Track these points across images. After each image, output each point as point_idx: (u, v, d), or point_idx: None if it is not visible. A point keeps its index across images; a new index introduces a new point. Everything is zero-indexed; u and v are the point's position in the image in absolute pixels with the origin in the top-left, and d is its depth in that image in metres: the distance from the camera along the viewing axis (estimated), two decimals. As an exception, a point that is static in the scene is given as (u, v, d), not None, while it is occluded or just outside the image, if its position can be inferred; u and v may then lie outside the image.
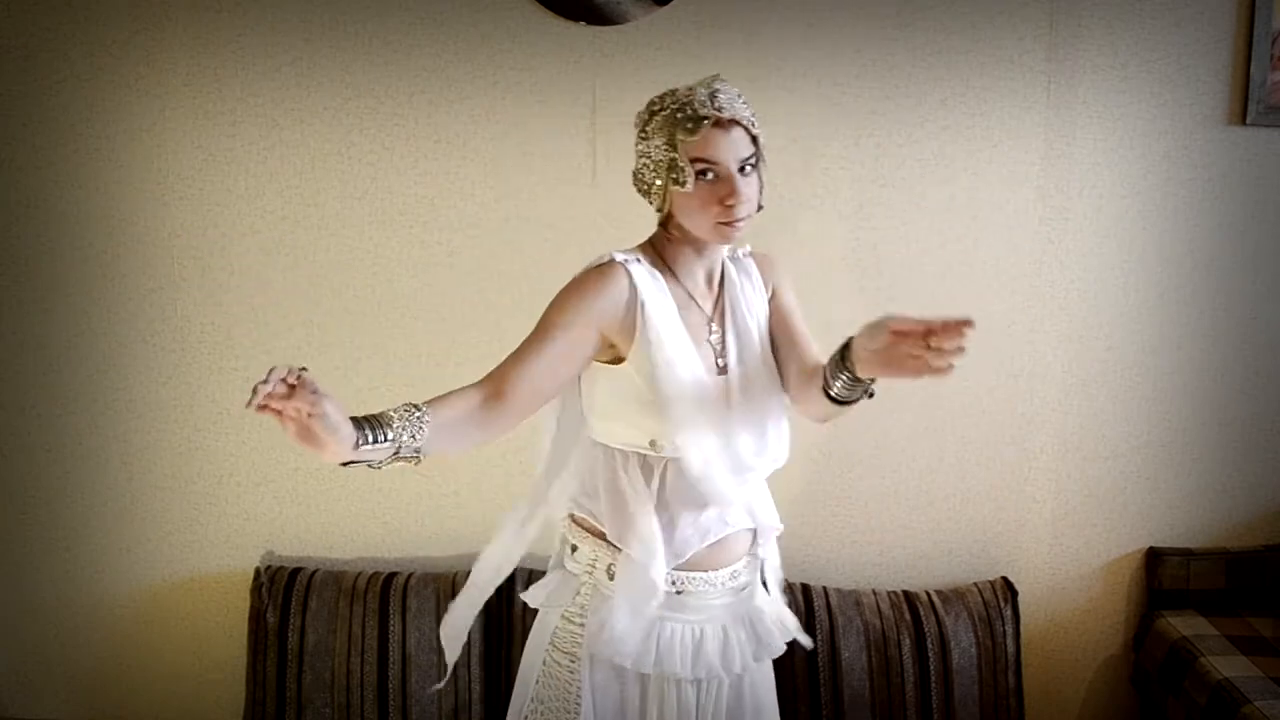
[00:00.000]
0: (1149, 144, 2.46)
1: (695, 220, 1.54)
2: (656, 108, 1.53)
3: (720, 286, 1.65)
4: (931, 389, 2.53)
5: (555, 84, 2.40)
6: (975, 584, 2.53)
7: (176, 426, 2.53)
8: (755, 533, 1.70)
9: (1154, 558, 2.57)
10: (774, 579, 1.77)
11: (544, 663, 1.68)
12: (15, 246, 2.47)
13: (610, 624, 1.59)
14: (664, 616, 1.62)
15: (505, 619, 2.43)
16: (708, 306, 1.63)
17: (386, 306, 2.48)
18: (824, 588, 2.49)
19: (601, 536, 1.63)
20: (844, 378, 1.44)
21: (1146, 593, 2.60)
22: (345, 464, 1.30)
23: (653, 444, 1.56)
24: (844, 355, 1.42)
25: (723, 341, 1.62)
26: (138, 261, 2.47)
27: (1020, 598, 2.50)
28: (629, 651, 1.60)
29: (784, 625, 1.75)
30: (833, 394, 1.47)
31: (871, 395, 1.48)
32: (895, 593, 2.50)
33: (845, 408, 1.51)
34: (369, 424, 1.31)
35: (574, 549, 1.68)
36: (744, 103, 1.53)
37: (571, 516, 1.69)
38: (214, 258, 2.47)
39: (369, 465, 1.33)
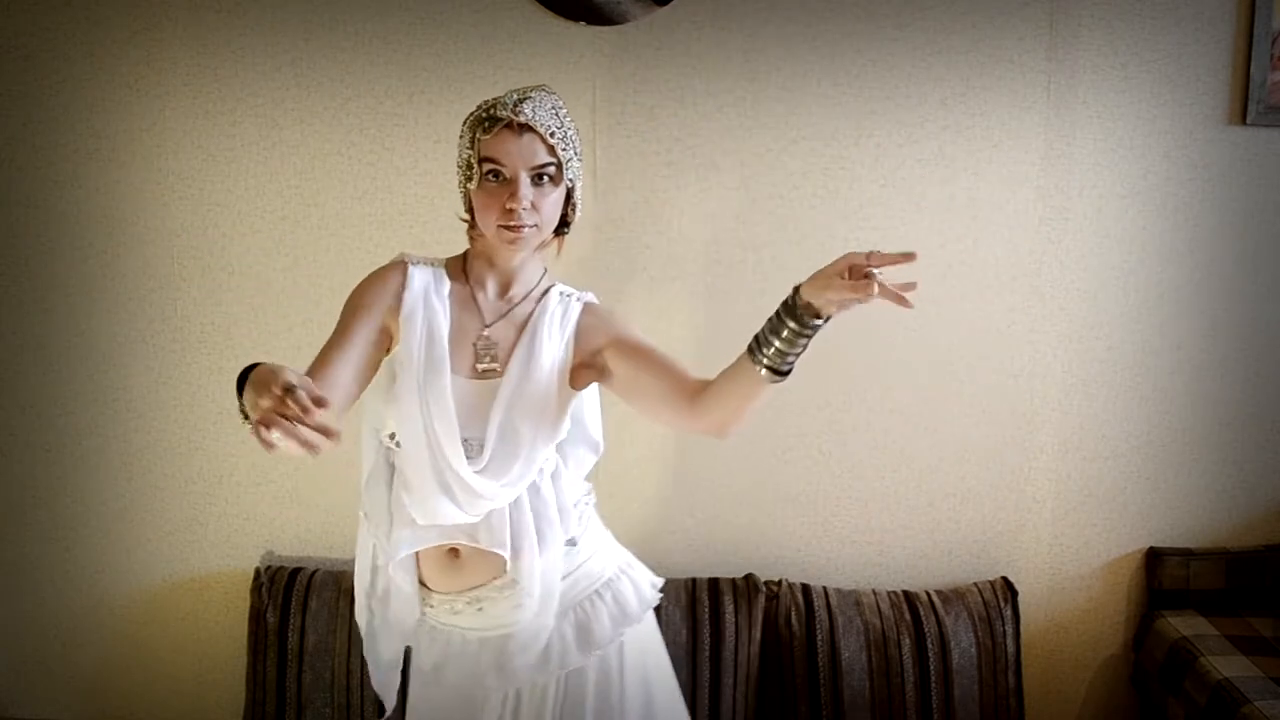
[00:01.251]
0: (1149, 144, 2.46)
1: (483, 221, 1.56)
2: (473, 110, 1.57)
3: (535, 303, 1.64)
4: (932, 389, 2.53)
5: (555, 84, 2.38)
6: (975, 584, 2.53)
7: (176, 426, 2.53)
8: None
9: (1154, 558, 2.57)
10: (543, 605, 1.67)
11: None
12: (15, 246, 2.47)
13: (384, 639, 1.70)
14: (456, 628, 1.66)
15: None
16: (489, 313, 1.63)
17: (386, 306, 2.48)
18: (824, 588, 2.49)
19: None
20: (786, 332, 1.40)
21: (1146, 593, 2.60)
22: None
23: (392, 436, 1.61)
24: (793, 301, 1.40)
25: (495, 349, 1.60)
26: (138, 261, 2.47)
27: (1020, 598, 2.50)
28: (377, 652, 1.70)
29: (622, 610, 1.70)
30: (767, 362, 1.43)
31: (807, 337, 1.41)
32: (895, 593, 2.50)
33: (772, 382, 1.44)
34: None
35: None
36: (556, 115, 1.54)
37: (364, 513, 1.73)
38: (214, 258, 2.47)
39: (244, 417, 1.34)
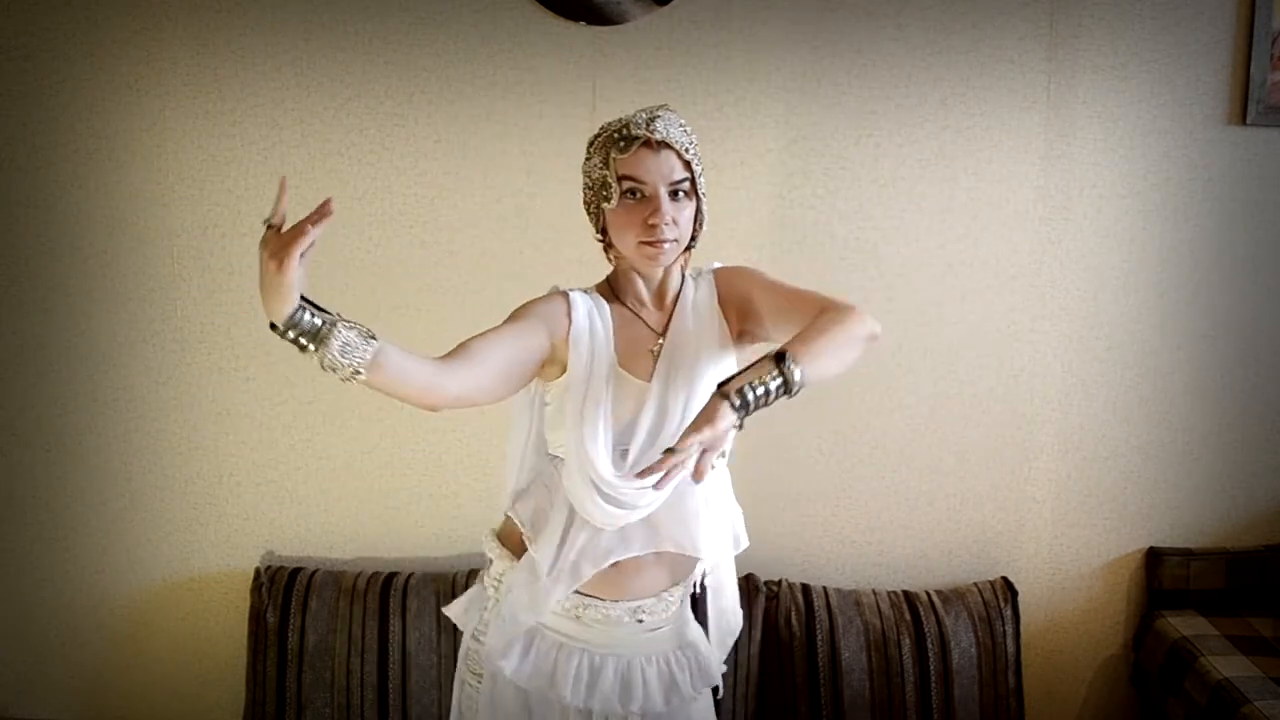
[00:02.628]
0: (1149, 144, 2.46)
1: (622, 240, 1.57)
2: (600, 131, 1.58)
3: (676, 301, 1.66)
4: (931, 389, 2.53)
5: (555, 84, 2.40)
6: (975, 584, 2.53)
7: (176, 426, 2.53)
8: (686, 575, 1.67)
9: (1154, 558, 2.57)
10: (715, 622, 1.74)
11: (461, 683, 1.74)
12: (15, 246, 2.47)
13: (492, 630, 1.64)
14: (562, 641, 1.63)
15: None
16: (655, 320, 1.65)
17: (386, 306, 2.48)
18: (824, 588, 2.49)
19: (518, 553, 1.65)
20: (772, 396, 1.40)
21: (1146, 593, 2.60)
22: (274, 328, 1.25)
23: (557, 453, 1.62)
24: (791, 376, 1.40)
25: (661, 352, 1.62)
26: (138, 261, 2.47)
27: (1020, 598, 2.50)
28: (508, 663, 1.62)
29: (703, 671, 1.69)
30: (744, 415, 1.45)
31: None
32: (895, 593, 2.50)
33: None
34: (319, 308, 1.27)
35: (490, 563, 1.71)
36: (686, 132, 1.56)
37: (495, 529, 1.72)
38: (214, 258, 2.47)
39: (298, 344, 1.25)
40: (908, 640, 2.40)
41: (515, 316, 1.58)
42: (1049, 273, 2.50)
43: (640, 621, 1.63)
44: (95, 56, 2.39)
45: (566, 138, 2.41)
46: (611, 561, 1.59)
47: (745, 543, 1.76)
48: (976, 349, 2.52)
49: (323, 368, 1.27)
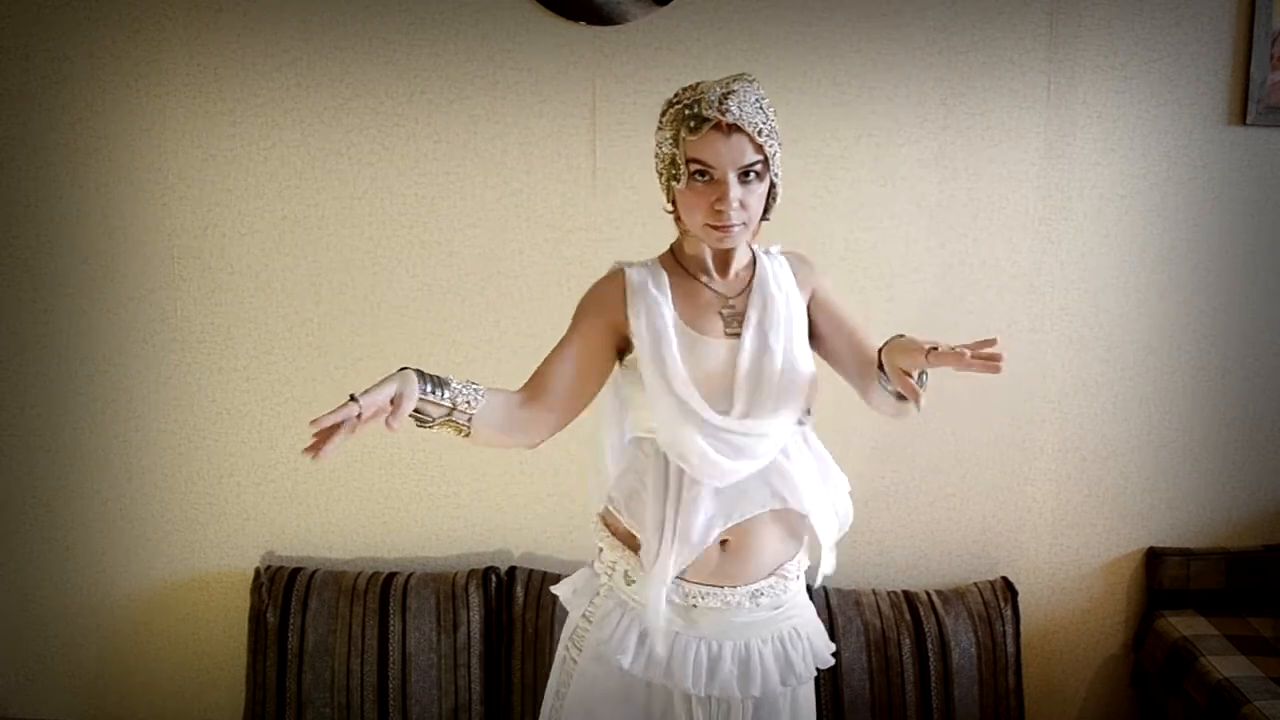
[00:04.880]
0: (1149, 144, 2.46)
1: (690, 218, 1.55)
2: (674, 100, 1.53)
3: (752, 269, 1.64)
4: (932, 388, 2.52)
5: (555, 84, 2.40)
6: (975, 584, 2.53)
7: (176, 426, 2.53)
8: (799, 548, 1.65)
9: (1154, 558, 2.57)
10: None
11: (563, 660, 1.70)
12: (15, 246, 2.47)
13: (609, 622, 1.61)
14: (678, 631, 1.60)
15: (505, 619, 2.43)
16: (721, 286, 1.62)
17: (386, 306, 2.48)
18: (824, 588, 2.49)
19: (626, 541, 1.63)
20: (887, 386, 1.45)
21: (1146, 593, 2.60)
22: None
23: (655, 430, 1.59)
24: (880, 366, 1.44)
25: (742, 313, 1.60)
26: (138, 261, 2.47)
27: (1020, 598, 2.50)
28: (625, 656, 1.59)
29: (815, 651, 1.67)
30: (888, 389, 1.47)
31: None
32: (895, 593, 2.50)
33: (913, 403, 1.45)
34: (432, 380, 1.40)
35: (600, 551, 1.68)
36: (760, 108, 1.49)
37: (601, 516, 1.70)
38: (214, 258, 2.47)
39: (419, 421, 1.41)
40: (908, 640, 2.40)
41: (577, 317, 1.61)
42: (1049, 273, 2.50)
43: (758, 605, 1.60)
44: (95, 56, 2.39)
45: (566, 138, 2.41)
46: (738, 520, 1.55)
47: (848, 515, 1.71)
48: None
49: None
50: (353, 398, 1.31)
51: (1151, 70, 2.43)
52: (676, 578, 1.58)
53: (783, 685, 1.62)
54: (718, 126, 1.47)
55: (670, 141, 1.52)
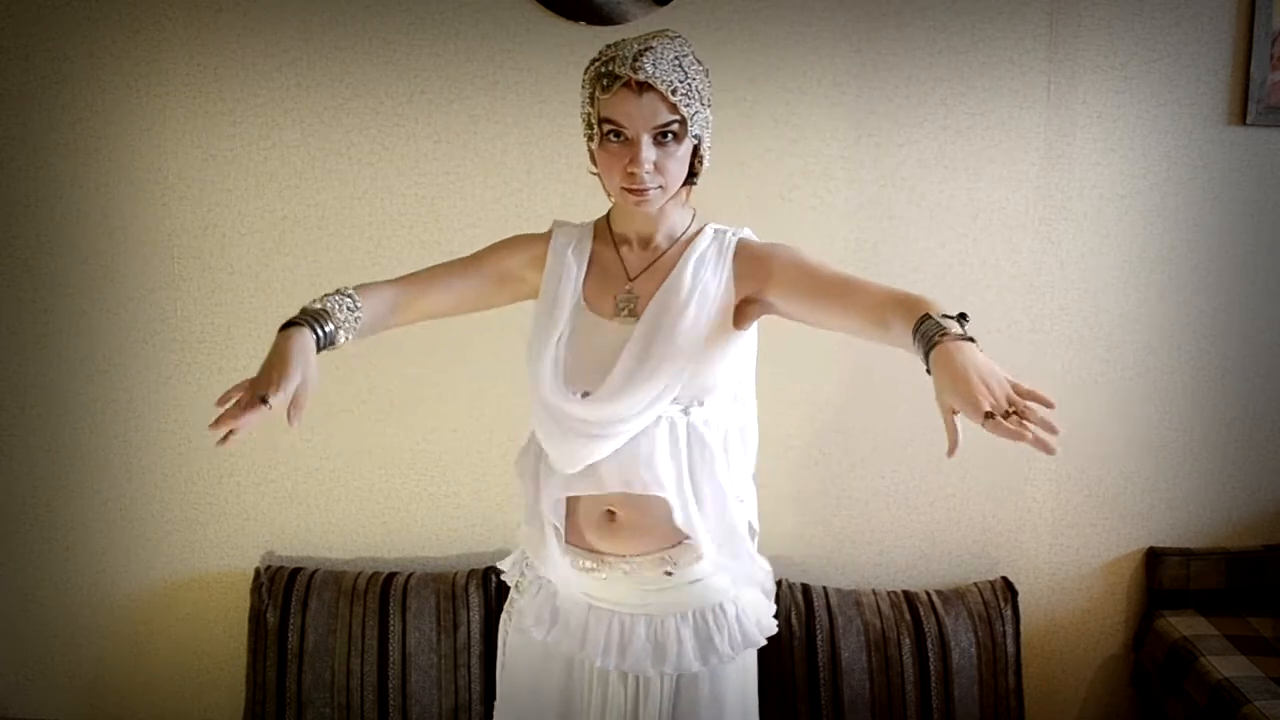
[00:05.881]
0: (1149, 144, 2.46)
1: (608, 179, 1.50)
2: (595, 58, 1.48)
3: (667, 249, 1.58)
4: (932, 388, 2.52)
5: (555, 84, 2.40)
6: (975, 584, 2.53)
7: (176, 426, 2.53)
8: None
9: (1154, 558, 2.57)
10: (744, 576, 1.63)
11: (502, 632, 1.74)
12: (15, 246, 2.47)
13: (533, 594, 1.65)
14: (591, 603, 1.60)
15: (505, 619, 2.43)
16: (634, 266, 1.58)
17: (386, 306, 2.48)
18: (824, 588, 2.49)
19: None
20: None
21: (1146, 593, 2.60)
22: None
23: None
24: (926, 355, 1.39)
25: (637, 298, 1.56)
26: (138, 261, 2.47)
27: (1020, 598, 2.50)
28: (540, 628, 1.62)
29: (745, 630, 1.62)
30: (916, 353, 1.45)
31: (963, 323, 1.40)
32: (895, 593, 2.50)
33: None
34: (323, 336, 1.45)
35: (519, 524, 1.70)
36: (679, 66, 1.42)
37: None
38: (214, 258, 2.47)
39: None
40: (908, 640, 2.40)
41: (492, 247, 1.65)
42: (1049, 273, 2.50)
43: (669, 574, 1.56)
44: (95, 56, 2.39)
45: (566, 138, 2.41)
46: (560, 495, 1.56)
47: (743, 516, 1.65)
48: (976, 349, 2.52)
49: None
50: (264, 400, 1.38)
51: (1151, 70, 2.43)
52: (574, 545, 1.58)
53: (702, 664, 1.59)
54: (629, 85, 1.40)
55: (588, 100, 1.47)
